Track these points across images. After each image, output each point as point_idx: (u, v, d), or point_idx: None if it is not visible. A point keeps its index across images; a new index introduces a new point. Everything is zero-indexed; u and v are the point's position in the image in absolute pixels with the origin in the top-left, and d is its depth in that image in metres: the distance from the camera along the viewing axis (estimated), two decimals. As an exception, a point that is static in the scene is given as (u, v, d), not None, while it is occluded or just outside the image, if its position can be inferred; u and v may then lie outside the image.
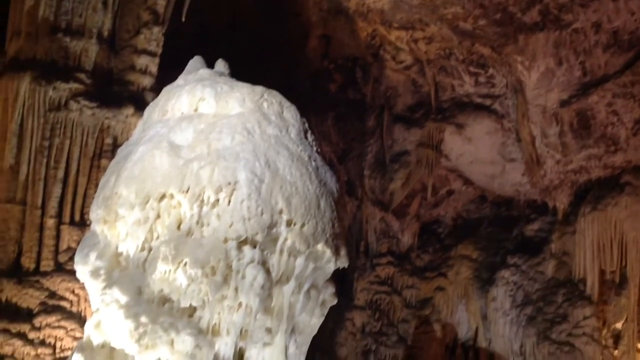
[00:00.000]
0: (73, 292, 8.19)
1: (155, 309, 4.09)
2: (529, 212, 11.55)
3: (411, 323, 11.60)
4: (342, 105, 12.48)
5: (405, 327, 11.62)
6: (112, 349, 4.19)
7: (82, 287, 7.76)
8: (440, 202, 12.46)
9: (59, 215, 8.41)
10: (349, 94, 12.56)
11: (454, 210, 12.47)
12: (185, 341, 4.00)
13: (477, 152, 11.54)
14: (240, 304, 4.13)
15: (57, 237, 8.39)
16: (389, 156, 12.17)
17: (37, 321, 7.99)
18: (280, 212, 4.12)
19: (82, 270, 4.48)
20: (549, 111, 10.52)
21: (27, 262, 8.28)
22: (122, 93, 8.85)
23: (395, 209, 12.24)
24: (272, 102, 4.51)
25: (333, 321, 11.27)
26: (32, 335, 7.92)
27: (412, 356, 11.34)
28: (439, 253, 12.09)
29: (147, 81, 9.01)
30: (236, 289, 4.09)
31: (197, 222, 4.12)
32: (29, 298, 8.09)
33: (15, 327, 7.90)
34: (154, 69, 9.04)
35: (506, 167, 11.50)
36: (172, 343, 4.01)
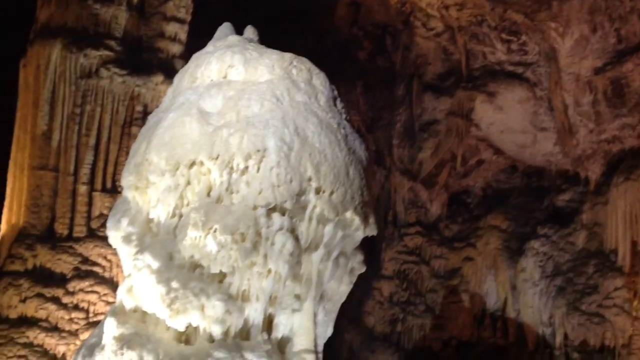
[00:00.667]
0: (105, 257, 8.35)
1: (186, 275, 4.14)
2: (560, 182, 11.39)
3: (439, 293, 11.59)
4: (371, 74, 12.37)
5: (433, 296, 11.62)
6: (144, 313, 4.25)
7: (114, 253, 7.88)
8: (470, 172, 12.34)
9: (91, 182, 8.56)
10: (378, 62, 12.44)
11: (483, 180, 12.35)
12: (215, 306, 4.05)
13: (508, 121, 11.39)
14: (269, 271, 4.16)
15: (90, 203, 8.54)
16: (418, 125, 12.06)
17: (70, 286, 8.17)
18: (309, 179, 4.11)
19: (114, 235, 4.54)
20: (582, 79, 10.32)
21: (61, 228, 8.45)
22: (152, 60, 8.90)
23: (424, 179, 12.17)
24: (301, 69, 4.47)
25: (361, 290, 11.31)
26: (65, 299, 8.11)
27: (439, 326, 11.36)
28: (468, 223, 12.02)
29: (176, 48, 9.04)
30: (265, 256, 4.11)
31: (227, 189, 4.14)
32: (63, 263, 8.28)
33: (49, 292, 8.09)
34: (183, 36, 9.06)
35: (538, 136, 11.33)
36: (202, 308, 4.06)
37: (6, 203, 8.75)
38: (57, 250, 8.29)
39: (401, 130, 12.21)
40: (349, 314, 11.23)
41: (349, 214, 4.25)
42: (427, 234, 12.05)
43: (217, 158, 4.11)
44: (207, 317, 4.08)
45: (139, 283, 4.22)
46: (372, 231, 4.46)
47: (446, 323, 11.36)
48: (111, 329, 4.21)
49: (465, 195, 12.42)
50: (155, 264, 4.16)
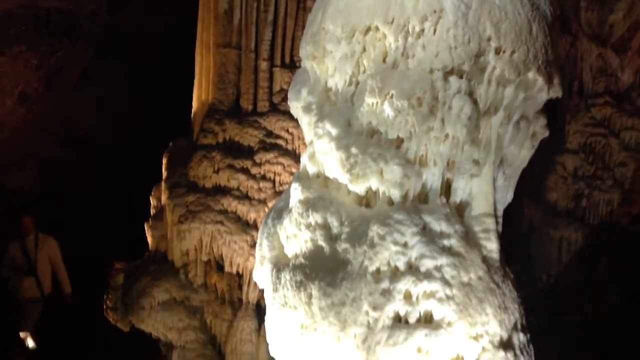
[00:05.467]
0: (287, 130, 8.71)
1: (364, 141, 4.22)
2: None
3: (629, 166, 10.91)
4: None
5: (623, 170, 10.98)
6: (326, 178, 4.43)
7: (296, 127, 8.24)
8: (670, 33, 11.17)
9: (271, 58, 8.84)
10: None
11: (686, 42, 11.14)
12: (393, 170, 4.11)
13: None
14: (446, 135, 4.10)
15: (270, 79, 8.87)
16: (609, -16, 11.00)
17: (257, 158, 8.66)
18: (489, 39, 3.92)
19: (295, 105, 4.70)
20: None
21: (245, 104, 8.90)
22: None
23: (614, 44, 11.20)
24: None
25: (543, 165, 10.94)
26: (254, 170, 8.63)
27: (629, 200, 10.79)
28: (665, 91, 11.04)
29: None
30: (442, 120, 4.06)
31: (402, 54, 4.08)
32: (249, 137, 8.76)
33: (239, 163, 8.64)
34: None
35: None
36: (381, 172, 4.14)
37: (195, 81, 9.33)
38: (243, 124, 8.77)
39: (590, -9, 11.22)
40: (530, 190, 10.98)
41: (531, 74, 4.02)
42: (617, 104, 11.22)
43: (392, 22, 4.03)
44: (385, 181, 4.16)
45: (320, 150, 4.38)
46: (556, 92, 4.21)
47: (636, 197, 10.75)
48: (297, 193, 4.46)
49: (662, 59, 11.32)
50: (334, 131, 4.28)
